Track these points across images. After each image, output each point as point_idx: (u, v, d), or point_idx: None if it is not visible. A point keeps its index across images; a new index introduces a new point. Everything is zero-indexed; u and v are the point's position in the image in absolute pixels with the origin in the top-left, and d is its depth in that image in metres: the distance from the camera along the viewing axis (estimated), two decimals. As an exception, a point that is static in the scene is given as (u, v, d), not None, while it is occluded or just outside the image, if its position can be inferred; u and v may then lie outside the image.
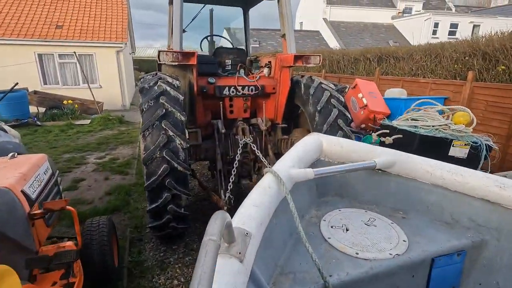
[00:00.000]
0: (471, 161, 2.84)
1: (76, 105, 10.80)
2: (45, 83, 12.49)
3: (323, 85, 3.56)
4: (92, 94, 11.14)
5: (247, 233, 1.02)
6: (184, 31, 3.64)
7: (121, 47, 12.95)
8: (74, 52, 11.31)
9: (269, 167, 1.52)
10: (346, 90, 5.74)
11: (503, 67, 5.30)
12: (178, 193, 2.83)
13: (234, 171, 3.20)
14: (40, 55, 12.21)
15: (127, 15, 14.35)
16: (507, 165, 4.90)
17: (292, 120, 4.25)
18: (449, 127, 2.87)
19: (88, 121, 9.98)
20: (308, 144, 1.81)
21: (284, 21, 3.81)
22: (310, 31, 26.68)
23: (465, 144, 2.83)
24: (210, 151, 3.77)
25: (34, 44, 11.83)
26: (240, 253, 0.93)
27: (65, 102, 10.67)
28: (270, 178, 1.39)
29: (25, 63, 11.53)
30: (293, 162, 1.58)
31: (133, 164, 6.05)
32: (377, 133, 3.36)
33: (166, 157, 2.69)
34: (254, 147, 3.56)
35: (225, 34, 19.68)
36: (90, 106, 11.07)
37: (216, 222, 0.72)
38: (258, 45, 22.55)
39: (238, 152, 3.44)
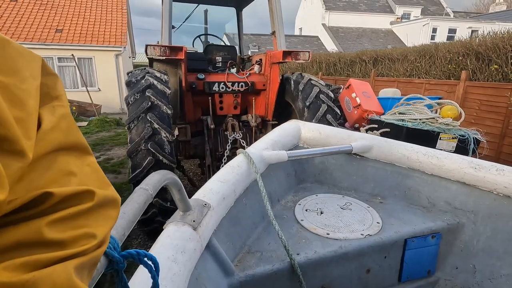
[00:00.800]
0: (459, 154, 2.81)
1: (74, 107, 10.82)
2: (44, 86, 12.56)
3: (312, 81, 3.57)
4: (90, 97, 11.19)
5: (205, 204, 1.01)
6: (173, 27, 3.67)
7: (120, 50, 13.05)
8: (72, 55, 11.39)
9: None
10: (341, 90, 5.76)
11: (496, 66, 5.30)
12: (164, 186, 2.81)
13: (222, 166, 3.18)
14: (39, 59, 12.30)
15: (127, 19, 14.49)
16: (502, 164, 4.86)
17: (283, 117, 4.25)
18: (437, 120, 2.86)
19: (85, 123, 10.00)
20: (286, 129, 1.80)
21: (274, 18, 3.83)
22: (309, 36, 26.87)
23: (452, 138, 2.81)
24: (199, 147, 3.75)
25: (33, 47, 11.91)
26: (194, 221, 0.91)
27: (63, 104, 10.71)
28: (241, 158, 1.38)
29: (24, 66, 11.61)
30: (268, 145, 1.57)
31: (127, 163, 6.04)
32: (365, 128, 3.35)
33: (151, 149, 2.68)
34: (243, 142, 3.56)
35: (224, 39, 19.84)
36: (88, 109, 11.10)
37: (154, 176, 0.71)
38: (257, 50, 22.71)
39: (228, 148, 3.43)
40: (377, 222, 1.42)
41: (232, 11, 5.26)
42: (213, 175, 3.69)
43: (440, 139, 2.78)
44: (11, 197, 0.28)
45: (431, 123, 2.86)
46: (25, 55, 0.34)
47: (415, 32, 23.79)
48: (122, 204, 0.64)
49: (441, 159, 1.51)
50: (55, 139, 0.34)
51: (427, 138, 2.78)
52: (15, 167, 0.28)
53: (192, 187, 3.98)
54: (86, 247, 0.32)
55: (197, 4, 4.82)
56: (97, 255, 0.34)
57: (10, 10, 12.80)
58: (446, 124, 2.84)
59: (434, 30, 23.34)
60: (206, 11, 5.34)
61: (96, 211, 0.35)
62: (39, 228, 0.30)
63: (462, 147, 2.82)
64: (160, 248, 0.79)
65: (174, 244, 0.81)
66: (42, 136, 0.32)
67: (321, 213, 1.50)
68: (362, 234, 1.32)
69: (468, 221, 1.45)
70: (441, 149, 2.87)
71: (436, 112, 3.06)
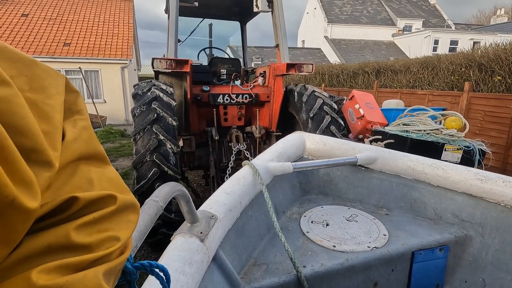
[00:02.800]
0: (465, 165, 2.79)
1: (80, 119, 10.96)
2: (51, 98, 12.77)
3: (316, 93, 3.60)
4: (96, 109, 11.34)
5: (212, 216, 1.01)
6: (179, 40, 3.75)
7: (126, 63, 13.30)
8: (79, 67, 11.62)
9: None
10: (344, 102, 5.79)
11: (499, 77, 5.32)
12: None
13: (227, 178, 3.19)
14: (47, 71, 12.56)
15: (133, 33, 14.82)
16: (508, 175, 4.81)
17: (287, 129, 4.27)
18: (441, 131, 2.86)
19: (90, 135, 10.10)
20: (290, 141, 1.81)
21: (277, 31, 3.91)
22: (312, 48, 27.21)
23: (457, 149, 2.80)
24: (203, 159, 3.77)
25: (42, 60, 12.03)
26: (201, 233, 0.92)
27: (68, 116, 10.85)
28: (247, 170, 1.39)
29: (32, 79, 11.84)
30: (273, 157, 1.58)
31: (131, 175, 6.06)
32: (369, 139, 3.35)
33: (156, 160, 2.70)
34: (247, 154, 3.57)
35: (228, 51, 20.19)
36: (93, 120, 11.23)
37: (164, 188, 0.72)
38: (260, 62, 23.00)
39: (232, 159, 3.45)
40: (384, 234, 1.41)
41: (236, 24, 5.38)
42: (217, 186, 3.73)
43: (445, 150, 2.77)
44: (41, 203, 0.30)
45: (436, 134, 2.86)
46: (51, 74, 0.37)
47: (417, 44, 24.00)
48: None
49: (447, 171, 1.51)
50: (78, 149, 0.36)
51: (432, 149, 2.78)
52: (44, 176, 0.30)
53: (196, 198, 3.98)
54: (111, 249, 0.34)
55: (202, 19, 4.95)
56: (121, 261, 0.35)
57: (20, 24, 13.18)
58: (451, 135, 2.83)
59: (436, 42, 23.53)
60: (210, 25, 5.47)
61: (118, 215, 0.37)
62: (67, 233, 0.31)
63: (467, 158, 2.81)
64: (168, 260, 0.79)
65: (181, 256, 0.81)
66: (66, 146, 0.35)
67: (327, 225, 1.50)
68: (368, 247, 1.31)
69: (476, 234, 1.43)
70: (446, 160, 2.86)
71: (440, 123, 3.06)
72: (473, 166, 2.88)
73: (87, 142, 0.38)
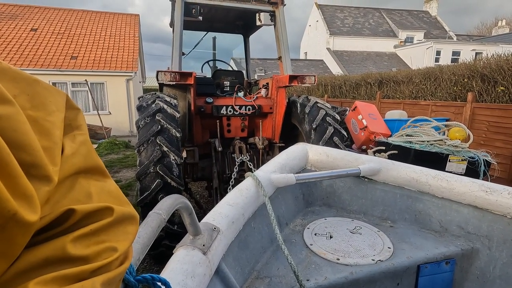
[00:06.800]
0: (470, 176, 2.77)
1: (85, 131, 11.06)
2: (57, 110, 12.97)
3: (318, 104, 3.62)
4: (101, 120, 11.47)
5: (215, 228, 1.01)
6: (183, 53, 3.82)
7: (131, 75, 13.52)
8: (85, 80, 11.82)
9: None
10: (347, 112, 5.82)
11: (502, 88, 5.32)
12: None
13: (230, 189, 3.18)
14: (54, 84, 12.79)
15: (138, 46, 15.12)
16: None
17: (290, 140, 4.28)
18: (445, 142, 2.84)
19: (95, 146, 10.19)
20: (293, 152, 1.81)
21: (280, 44, 3.97)
22: (315, 60, 27.48)
23: (462, 160, 2.78)
24: (207, 170, 3.78)
25: (49, 73, 12.46)
26: (204, 245, 0.92)
27: (74, 127, 10.97)
28: (250, 181, 1.39)
29: (39, 91, 12.06)
30: (275, 168, 1.58)
31: (134, 186, 6.07)
32: (372, 150, 3.34)
33: (160, 172, 2.71)
34: (250, 165, 3.57)
35: (231, 63, 20.46)
36: (98, 131, 11.34)
37: (167, 200, 0.73)
38: (263, 74, 23.24)
39: (235, 170, 3.45)
40: (388, 247, 1.39)
41: (239, 37, 5.48)
42: (220, 197, 3.71)
43: (449, 161, 2.75)
44: (40, 216, 0.31)
45: (439, 145, 2.84)
46: (52, 92, 0.38)
47: (419, 55, 24.15)
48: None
49: (451, 182, 1.50)
50: (76, 163, 0.37)
51: (436, 160, 2.76)
52: (44, 191, 0.31)
53: (199, 209, 3.96)
54: (109, 260, 0.34)
55: (206, 32, 5.05)
56: (121, 271, 0.36)
57: (29, 39, 13.53)
58: (455, 146, 2.82)
59: (438, 53, 23.66)
60: (214, 38, 5.58)
61: (115, 227, 0.37)
62: (64, 245, 0.32)
63: (472, 169, 2.78)
64: (170, 273, 0.79)
65: (184, 269, 0.81)
66: (65, 161, 0.36)
67: (331, 237, 1.48)
68: (373, 260, 1.29)
69: (482, 247, 1.41)
70: (451, 172, 2.84)
71: (443, 134, 3.06)
72: (478, 177, 2.85)
73: (86, 156, 0.39)
